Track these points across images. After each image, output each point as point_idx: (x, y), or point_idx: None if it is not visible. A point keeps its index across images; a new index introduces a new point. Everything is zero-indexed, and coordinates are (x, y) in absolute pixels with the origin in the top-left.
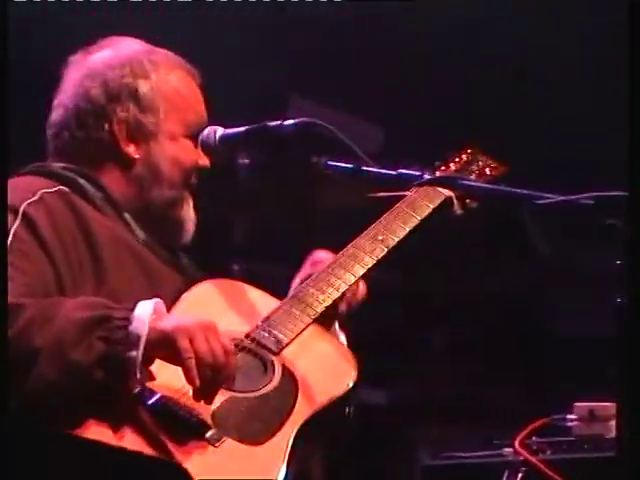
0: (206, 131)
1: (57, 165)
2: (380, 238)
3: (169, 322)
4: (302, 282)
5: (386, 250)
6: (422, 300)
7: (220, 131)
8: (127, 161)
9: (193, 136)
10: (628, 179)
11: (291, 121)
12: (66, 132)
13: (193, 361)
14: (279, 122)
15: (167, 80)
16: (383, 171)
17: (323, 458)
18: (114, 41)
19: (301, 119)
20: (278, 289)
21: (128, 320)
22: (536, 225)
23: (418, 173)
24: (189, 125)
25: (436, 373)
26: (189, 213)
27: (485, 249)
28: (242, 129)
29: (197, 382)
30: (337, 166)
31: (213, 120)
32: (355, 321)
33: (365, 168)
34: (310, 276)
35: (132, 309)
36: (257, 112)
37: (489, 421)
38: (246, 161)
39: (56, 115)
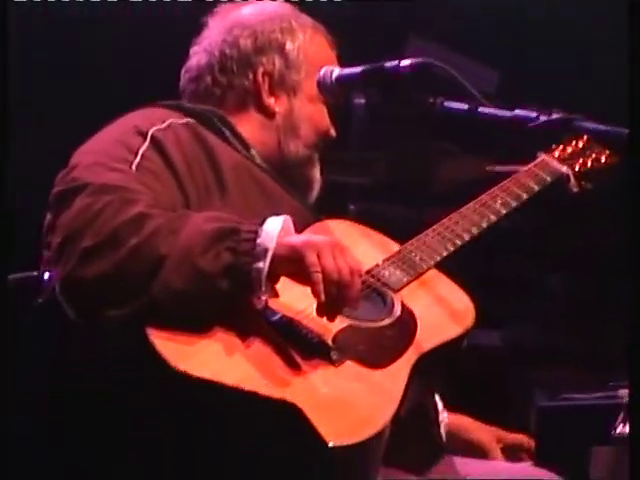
0: (322, 71)
1: (189, 104)
2: (499, 201)
3: (297, 238)
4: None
5: (504, 212)
6: (543, 248)
7: (337, 71)
8: (268, 112)
9: (329, 104)
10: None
11: (407, 61)
12: (208, 76)
13: (320, 275)
14: (396, 62)
15: (312, 42)
16: (499, 112)
17: (434, 398)
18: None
19: (417, 59)
20: (399, 231)
21: (256, 233)
22: None
23: (534, 114)
24: None
25: (553, 317)
26: (317, 174)
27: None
28: (358, 69)
29: (322, 296)
30: (453, 107)
31: None
32: (474, 263)
33: (481, 109)
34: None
35: (261, 223)
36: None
37: (605, 365)
38: (362, 101)
39: (198, 59)
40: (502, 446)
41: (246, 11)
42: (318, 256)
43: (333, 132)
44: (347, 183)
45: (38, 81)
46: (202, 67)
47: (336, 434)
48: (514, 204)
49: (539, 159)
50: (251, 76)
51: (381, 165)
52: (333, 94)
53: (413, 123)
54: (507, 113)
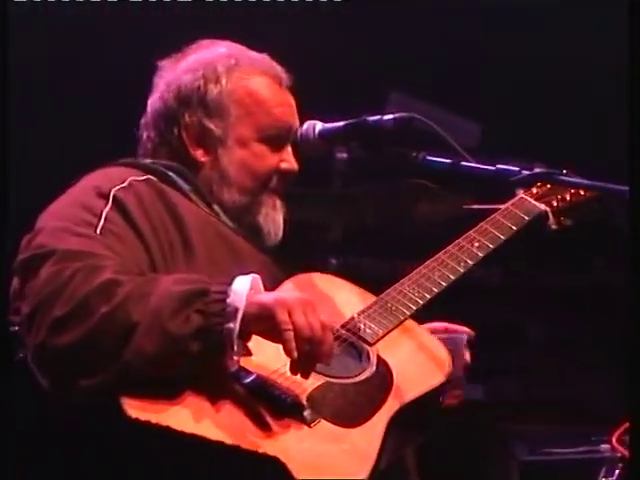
0: (305, 125)
1: (146, 160)
2: (476, 245)
3: (267, 296)
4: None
5: (481, 256)
6: (519, 293)
7: (319, 125)
8: (196, 164)
9: (271, 140)
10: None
11: (390, 115)
12: (145, 134)
13: (292, 333)
14: (378, 117)
15: (241, 85)
16: (481, 166)
17: (416, 450)
18: (203, 45)
19: (400, 114)
20: (373, 283)
21: (226, 293)
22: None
23: (516, 169)
24: (263, 129)
25: (533, 369)
26: (269, 217)
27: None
28: (341, 123)
29: (294, 354)
30: (435, 161)
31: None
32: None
33: (463, 163)
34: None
35: (230, 283)
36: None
37: (585, 418)
38: (344, 155)
39: (143, 118)
40: None
41: (179, 64)
42: (289, 313)
43: (288, 165)
44: (323, 238)
45: (38, 81)
46: (142, 125)
47: None
48: (491, 246)
49: (517, 198)
50: (176, 131)
51: (362, 202)
52: (315, 148)
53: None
54: (489, 168)
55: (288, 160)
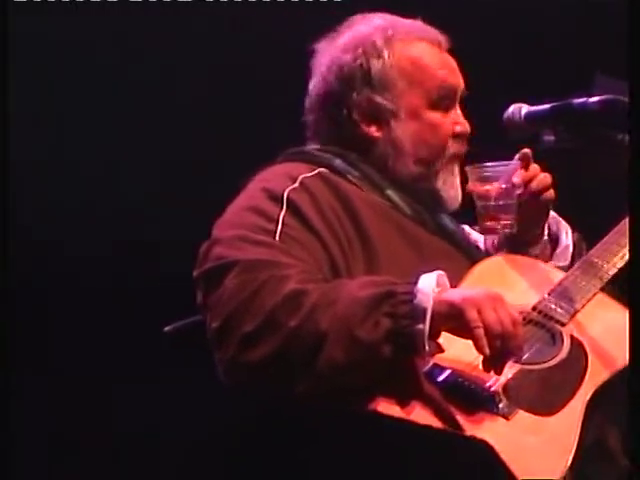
0: (511, 109)
1: (312, 148)
2: None
3: (454, 294)
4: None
5: None
6: None
7: (525, 109)
8: (370, 141)
9: (441, 104)
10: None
11: (596, 98)
12: (312, 117)
13: (482, 331)
14: (584, 99)
15: (403, 54)
16: None
17: (619, 428)
18: (356, 21)
19: (606, 96)
20: None
21: (412, 294)
22: None
23: None
24: (430, 95)
25: None
26: (447, 183)
27: None
28: (547, 106)
29: (487, 350)
30: None
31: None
32: None
33: None
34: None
35: (415, 282)
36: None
37: None
38: (551, 138)
39: (307, 102)
40: None
41: (336, 44)
42: (478, 311)
43: (462, 128)
44: None
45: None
46: (308, 109)
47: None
48: None
49: None
50: (345, 112)
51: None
52: (521, 131)
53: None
54: None
55: (460, 122)
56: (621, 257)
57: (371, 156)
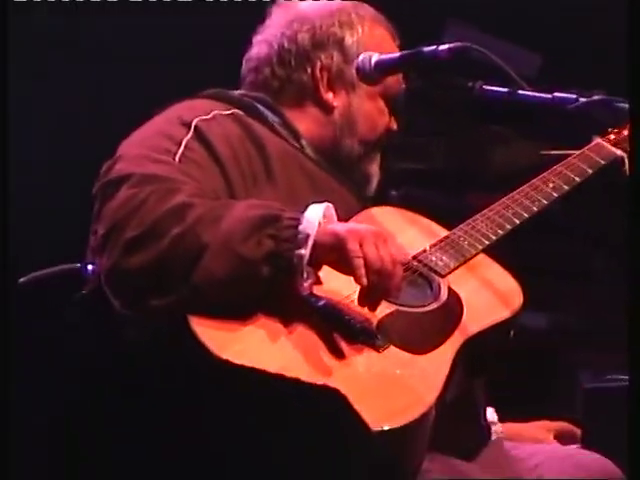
0: (361, 57)
1: (236, 92)
2: (551, 185)
3: (339, 226)
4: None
5: (555, 196)
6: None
7: (375, 57)
8: (325, 107)
9: (389, 98)
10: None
11: (446, 46)
12: (267, 68)
13: (361, 261)
14: (434, 47)
15: (372, 35)
16: (538, 95)
17: (484, 381)
18: None
19: (456, 44)
20: (434, 216)
21: (298, 220)
22: None
23: (574, 96)
24: (388, 85)
25: (598, 299)
26: (374, 169)
27: None
28: (396, 54)
29: (364, 280)
30: (492, 90)
31: None
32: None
33: (520, 92)
34: None
35: (303, 211)
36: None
37: None
38: (402, 86)
39: (258, 50)
40: (552, 435)
41: (307, 4)
42: (360, 244)
43: (394, 126)
44: (389, 168)
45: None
46: (261, 58)
47: (379, 419)
48: (566, 188)
49: (593, 143)
50: (309, 71)
51: (439, 151)
52: (372, 80)
53: (458, 108)
54: (546, 96)
55: (394, 121)
56: (509, 223)
57: (323, 121)
